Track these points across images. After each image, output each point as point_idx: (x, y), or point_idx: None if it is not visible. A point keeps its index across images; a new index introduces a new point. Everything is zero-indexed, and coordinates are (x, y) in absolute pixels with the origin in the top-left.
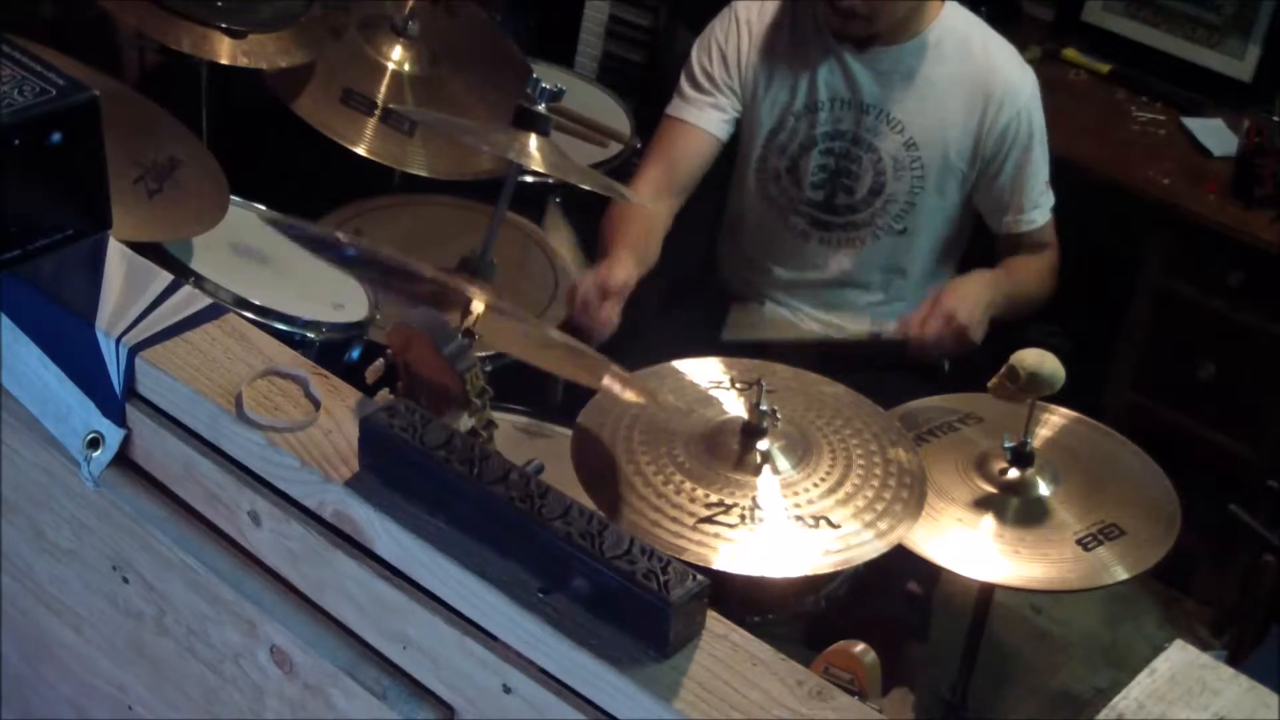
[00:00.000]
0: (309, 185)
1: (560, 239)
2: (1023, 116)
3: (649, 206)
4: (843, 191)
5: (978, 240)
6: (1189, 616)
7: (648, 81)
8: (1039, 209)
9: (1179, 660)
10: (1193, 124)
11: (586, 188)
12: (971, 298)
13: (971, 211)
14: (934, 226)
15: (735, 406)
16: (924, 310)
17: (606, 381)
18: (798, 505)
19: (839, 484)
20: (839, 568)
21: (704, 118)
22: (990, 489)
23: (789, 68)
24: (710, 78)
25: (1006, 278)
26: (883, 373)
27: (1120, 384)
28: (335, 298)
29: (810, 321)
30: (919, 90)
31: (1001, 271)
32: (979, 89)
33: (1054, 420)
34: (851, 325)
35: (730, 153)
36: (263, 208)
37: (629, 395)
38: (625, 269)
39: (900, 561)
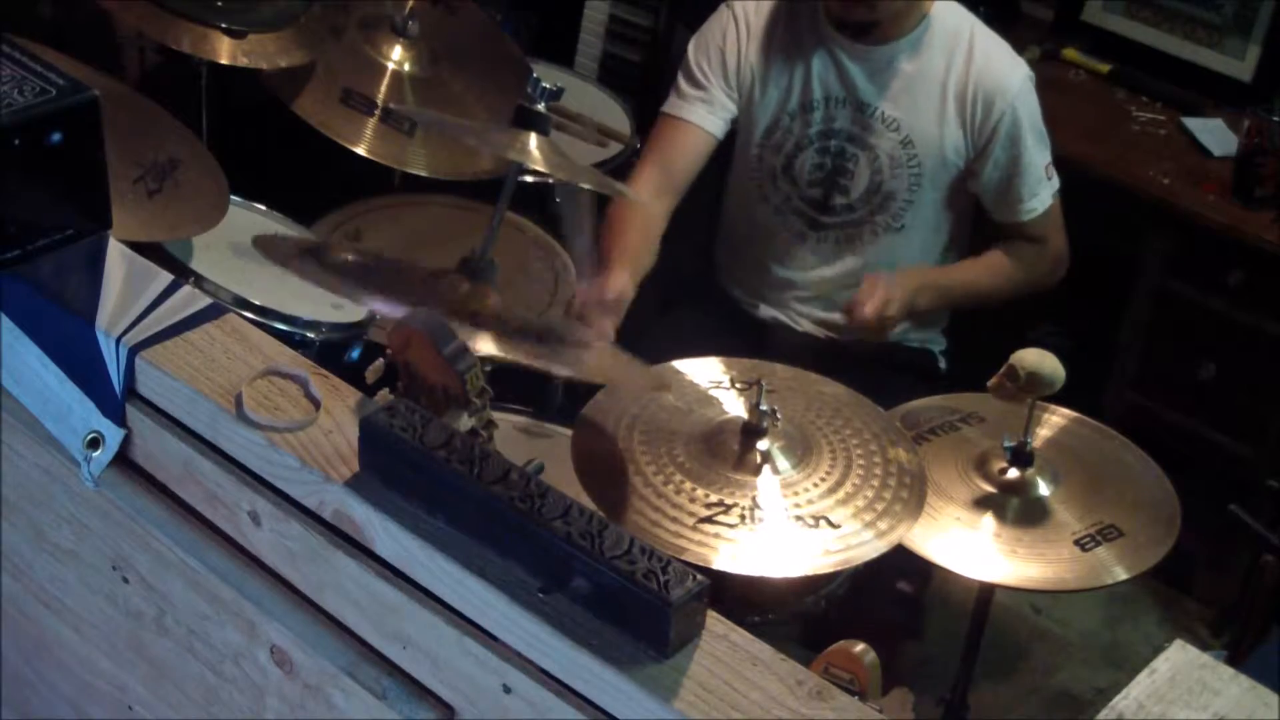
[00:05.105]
0: (309, 185)
1: (581, 231)
2: (1013, 109)
3: (648, 204)
4: (838, 191)
5: (978, 233)
6: (1189, 616)
7: (648, 81)
8: (1036, 198)
9: (1179, 660)
10: (1193, 124)
11: (587, 187)
12: (905, 293)
13: (970, 206)
14: (932, 223)
15: (735, 406)
16: (866, 296)
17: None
18: (798, 505)
19: (839, 484)
20: (839, 568)
21: (700, 115)
22: (990, 489)
23: (784, 66)
24: (707, 76)
25: (943, 273)
26: (882, 372)
27: (1120, 384)
28: (334, 297)
29: (807, 321)
30: (913, 88)
31: (936, 269)
32: (969, 83)
33: (1054, 420)
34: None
35: (727, 152)
36: (263, 208)
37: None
38: (620, 282)
39: (892, 561)
